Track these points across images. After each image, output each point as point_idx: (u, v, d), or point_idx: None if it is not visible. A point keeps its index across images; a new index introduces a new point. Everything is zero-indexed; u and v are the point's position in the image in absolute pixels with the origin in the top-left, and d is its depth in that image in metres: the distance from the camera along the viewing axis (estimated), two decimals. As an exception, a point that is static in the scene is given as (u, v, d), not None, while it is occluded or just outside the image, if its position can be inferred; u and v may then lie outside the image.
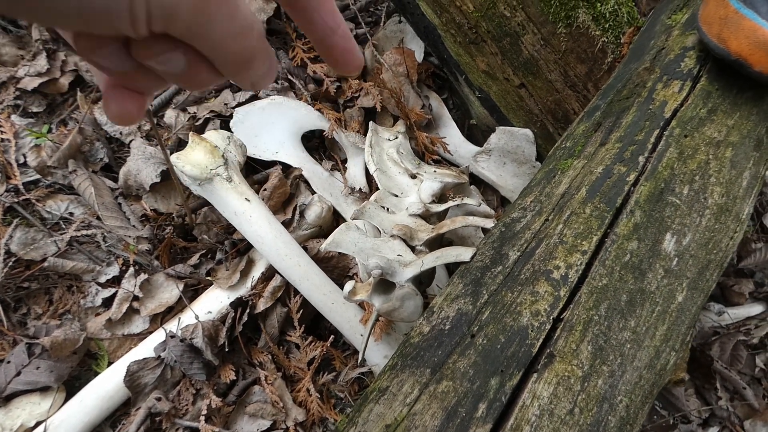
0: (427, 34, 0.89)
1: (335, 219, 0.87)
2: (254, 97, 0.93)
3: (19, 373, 0.63)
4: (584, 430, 0.37)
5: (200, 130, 0.88)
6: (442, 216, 0.78)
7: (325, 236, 0.83)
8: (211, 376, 0.72)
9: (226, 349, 0.71)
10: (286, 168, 0.87)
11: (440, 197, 0.80)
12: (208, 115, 0.89)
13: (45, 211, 0.75)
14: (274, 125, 0.90)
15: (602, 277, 0.44)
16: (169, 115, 0.87)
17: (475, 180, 0.97)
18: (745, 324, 0.90)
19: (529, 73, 0.82)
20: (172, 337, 0.69)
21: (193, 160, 0.70)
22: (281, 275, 0.74)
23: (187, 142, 0.88)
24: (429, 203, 0.75)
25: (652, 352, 0.41)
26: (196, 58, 0.22)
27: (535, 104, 0.86)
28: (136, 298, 0.72)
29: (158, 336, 0.71)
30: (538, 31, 0.79)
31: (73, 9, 0.18)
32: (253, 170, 0.86)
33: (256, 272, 0.76)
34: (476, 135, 1.04)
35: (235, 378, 0.73)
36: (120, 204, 0.77)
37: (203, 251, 0.78)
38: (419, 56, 1.01)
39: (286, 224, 0.78)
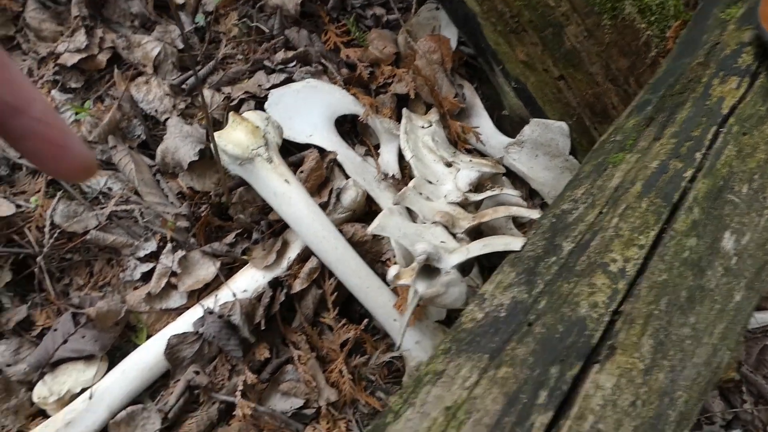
0: (465, 22, 0.88)
1: (368, 204, 0.87)
2: (289, 80, 0.92)
3: (65, 341, 0.64)
4: (646, 423, 0.38)
5: (235, 110, 0.88)
6: (478, 205, 0.79)
7: (358, 221, 0.84)
8: (246, 353, 0.73)
9: (262, 328, 0.72)
10: (320, 151, 0.87)
11: (476, 186, 0.80)
12: (242, 96, 0.89)
13: (85, 186, 0.75)
14: (308, 108, 0.89)
15: (661, 272, 0.44)
16: (205, 95, 0.87)
17: (505, 171, 0.97)
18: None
19: (569, 65, 0.82)
20: (210, 313, 0.70)
21: (234, 140, 0.70)
22: (317, 257, 0.75)
23: (221, 122, 0.88)
24: (466, 192, 0.75)
25: (710, 349, 0.42)
26: None
27: (574, 97, 0.85)
28: (174, 273, 0.73)
29: (195, 312, 0.72)
30: (583, 22, 0.78)
31: None
32: (288, 152, 0.86)
33: (292, 253, 0.77)
34: (507, 126, 1.04)
35: (269, 356, 0.74)
36: (158, 181, 0.78)
37: (239, 231, 0.79)
38: (453, 44, 1.00)
39: (322, 207, 0.78)
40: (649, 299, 0.43)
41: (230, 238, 0.78)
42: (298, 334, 0.76)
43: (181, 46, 0.91)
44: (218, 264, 0.75)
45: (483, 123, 1.01)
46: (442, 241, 0.62)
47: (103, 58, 0.84)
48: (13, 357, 0.67)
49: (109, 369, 0.66)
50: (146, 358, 0.67)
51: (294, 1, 0.97)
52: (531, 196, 0.99)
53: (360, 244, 0.80)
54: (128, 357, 0.67)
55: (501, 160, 0.94)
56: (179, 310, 0.73)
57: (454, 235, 0.66)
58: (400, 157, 0.93)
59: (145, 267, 0.74)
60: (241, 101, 0.90)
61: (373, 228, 0.60)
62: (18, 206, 0.69)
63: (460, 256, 0.58)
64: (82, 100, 0.83)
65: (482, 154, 0.99)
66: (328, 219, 0.74)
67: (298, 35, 0.98)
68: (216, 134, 0.71)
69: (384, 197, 0.86)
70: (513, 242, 0.53)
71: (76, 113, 0.78)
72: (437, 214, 0.65)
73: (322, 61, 0.97)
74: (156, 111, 0.85)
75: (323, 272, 0.78)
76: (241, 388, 0.69)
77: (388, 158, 0.92)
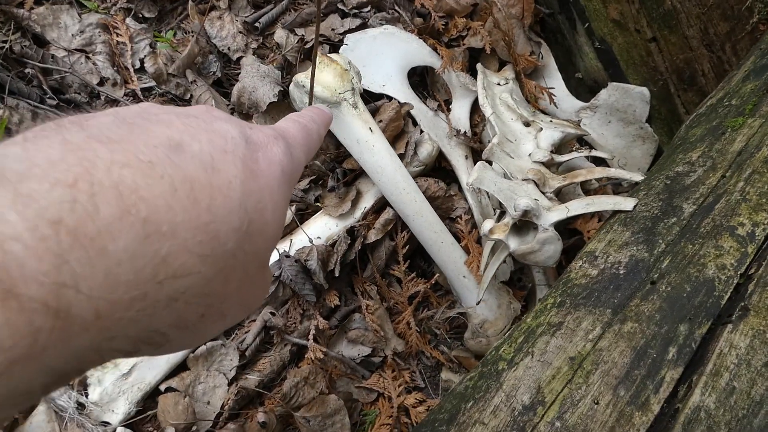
0: (555, -27, 0.84)
1: (437, 160, 0.86)
2: (363, 25, 0.89)
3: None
4: (782, 383, 0.38)
5: (308, 53, 0.86)
6: (558, 167, 0.77)
7: (428, 176, 0.82)
8: (318, 298, 0.73)
9: (336, 275, 0.72)
10: (394, 102, 0.85)
11: (557, 148, 0.78)
12: (316, 39, 0.86)
13: (162, 120, 0.74)
14: (383, 56, 0.86)
15: (797, 238, 0.43)
16: (279, 35, 0.84)
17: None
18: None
19: (665, 26, 0.78)
20: (287, 257, 0.70)
21: (323, 82, 0.68)
22: (394, 209, 0.74)
23: (294, 65, 0.86)
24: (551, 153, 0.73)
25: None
26: None
27: (663, 61, 0.82)
28: (250, 216, 0.72)
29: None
30: (687, -20, 0.74)
31: None
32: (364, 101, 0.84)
33: (366, 203, 0.76)
34: (578, 90, 1.00)
35: (338, 303, 0.75)
36: (236, 120, 0.76)
37: (312, 177, 0.78)
38: (532, -1, 0.95)
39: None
40: (785, 264, 0.42)
41: (304, 183, 0.77)
42: (368, 284, 0.76)
43: (254, -19, 0.88)
44: (293, 208, 0.75)
45: (555, 84, 0.98)
46: (535, 199, 0.61)
47: (178, -12, 0.81)
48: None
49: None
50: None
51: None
52: (595, 162, 0.97)
53: (432, 200, 0.79)
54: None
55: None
56: (254, 251, 0.73)
57: (543, 194, 0.65)
58: (471, 114, 0.91)
59: (221, 206, 0.73)
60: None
61: (473, 180, 0.58)
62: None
63: (560, 213, 0.57)
64: (156, 31, 0.81)
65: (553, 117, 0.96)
66: (407, 171, 0.73)
67: (372, -21, 0.94)
68: (302, 75, 0.69)
69: (455, 153, 0.84)
70: (623, 202, 0.52)
71: (157, 40, 0.75)
72: (530, 171, 0.64)
73: (396, 8, 0.93)
74: (229, 49, 0.82)
75: (396, 225, 0.77)
76: (313, 332, 0.70)
77: (459, 114, 0.89)
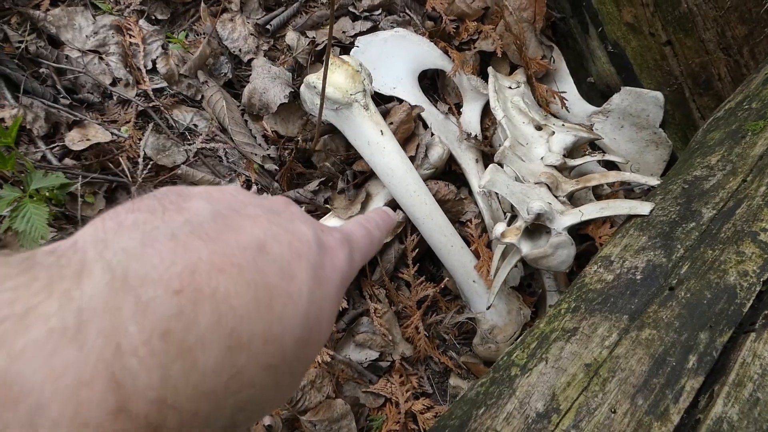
0: (568, -23, 0.83)
1: (448, 163, 0.85)
2: (374, 28, 0.89)
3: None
4: (808, 394, 0.36)
5: (319, 55, 0.86)
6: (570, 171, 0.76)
7: (438, 179, 0.82)
8: (326, 302, 0.72)
9: (345, 278, 0.71)
10: (404, 105, 0.84)
11: (569, 152, 0.77)
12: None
13: (173, 120, 0.74)
14: (394, 59, 0.86)
15: (822, 245, 0.41)
16: (290, 38, 0.84)
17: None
18: None
19: (680, 29, 0.77)
20: (296, 259, 0.69)
21: (335, 83, 0.68)
22: (404, 211, 0.73)
23: (305, 67, 0.86)
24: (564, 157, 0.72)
25: None
26: None
27: (678, 65, 0.81)
28: (259, 217, 0.72)
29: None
30: (704, -18, 0.73)
31: None
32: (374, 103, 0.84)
33: (376, 205, 0.75)
34: (590, 94, 0.99)
35: (346, 306, 0.74)
36: (246, 121, 0.76)
37: (322, 179, 0.77)
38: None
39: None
40: (810, 272, 0.40)
41: (314, 185, 0.77)
42: (376, 287, 0.75)
43: (266, -16, 0.88)
44: (302, 209, 0.74)
45: (567, 88, 0.97)
46: (548, 202, 0.60)
47: (191, -10, 0.82)
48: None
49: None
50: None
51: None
52: (606, 167, 0.96)
53: (442, 203, 0.78)
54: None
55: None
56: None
57: (555, 198, 0.64)
58: (481, 117, 0.90)
59: (230, 207, 0.73)
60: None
61: (485, 182, 0.58)
62: (112, 134, 0.68)
63: (574, 218, 0.56)
64: (168, 32, 0.82)
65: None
66: (417, 173, 0.72)
67: (384, -18, 0.94)
68: (313, 76, 0.68)
69: (465, 157, 0.84)
70: (639, 206, 0.51)
71: (169, 41, 0.76)
72: (542, 175, 0.63)
73: (407, 11, 0.93)
74: (240, 50, 0.83)
75: (405, 228, 0.76)
76: (321, 334, 0.69)
77: (470, 117, 0.89)
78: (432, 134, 0.82)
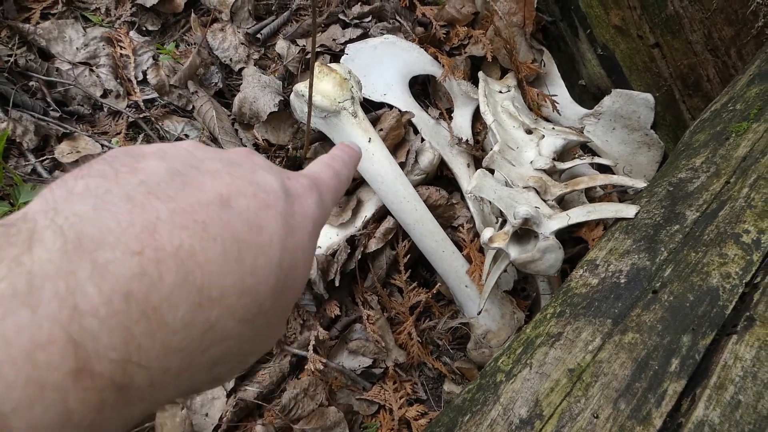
0: (555, -19, 0.84)
1: (439, 168, 0.85)
2: (364, 35, 0.89)
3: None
4: (791, 396, 0.36)
5: (309, 63, 0.86)
6: (560, 175, 0.76)
7: (430, 184, 0.82)
8: (318, 309, 0.73)
9: (336, 285, 0.72)
10: (394, 111, 0.85)
11: (559, 155, 0.77)
12: (318, 49, 0.87)
13: (163, 130, 0.75)
14: (384, 65, 0.87)
15: (805, 246, 0.41)
16: (280, 46, 0.85)
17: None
18: None
19: (668, 31, 0.77)
20: (287, 267, 0.70)
21: (322, 91, 0.68)
22: (395, 218, 0.73)
23: (295, 75, 0.86)
24: (553, 160, 0.72)
25: None
26: None
27: (666, 67, 0.81)
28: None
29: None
30: (690, -16, 0.73)
31: None
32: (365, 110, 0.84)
33: (367, 212, 0.76)
34: (581, 97, 0.99)
35: (338, 313, 0.74)
36: (237, 130, 0.77)
37: (313, 187, 0.78)
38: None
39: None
40: (793, 273, 0.40)
41: (304, 193, 0.77)
42: (368, 294, 0.76)
43: (256, -6, 0.89)
44: (293, 218, 0.74)
45: (558, 92, 0.97)
46: (536, 207, 0.60)
47: (180, 0, 0.82)
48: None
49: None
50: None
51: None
52: (600, 170, 0.96)
53: (433, 208, 0.78)
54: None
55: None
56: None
57: (544, 201, 0.64)
58: (473, 121, 0.91)
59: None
60: (317, 55, 0.87)
61: (472, 187, 0.58)
62: (102, 146, 0.69)
63: (561, 222, 0.56)
64: (159, 43, 0.82)
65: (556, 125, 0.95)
66: (407, 179, 0.72)
67: (373, -11, 0.94)
68: (301, 84, 0.69)
69: (457, 162, 0.84)
70: (625, 209, 0.51)
71: (159, 52, 0.76)
72: (530, 179, 0.63)
73: (397, 17, 0.94)
74: (230, 60, 0.83)
75: (396, 234, 0.76)
76: (313, 342, 0.70)
77: (461, 122, 0.89)
78: (422, 140, 0.82)
